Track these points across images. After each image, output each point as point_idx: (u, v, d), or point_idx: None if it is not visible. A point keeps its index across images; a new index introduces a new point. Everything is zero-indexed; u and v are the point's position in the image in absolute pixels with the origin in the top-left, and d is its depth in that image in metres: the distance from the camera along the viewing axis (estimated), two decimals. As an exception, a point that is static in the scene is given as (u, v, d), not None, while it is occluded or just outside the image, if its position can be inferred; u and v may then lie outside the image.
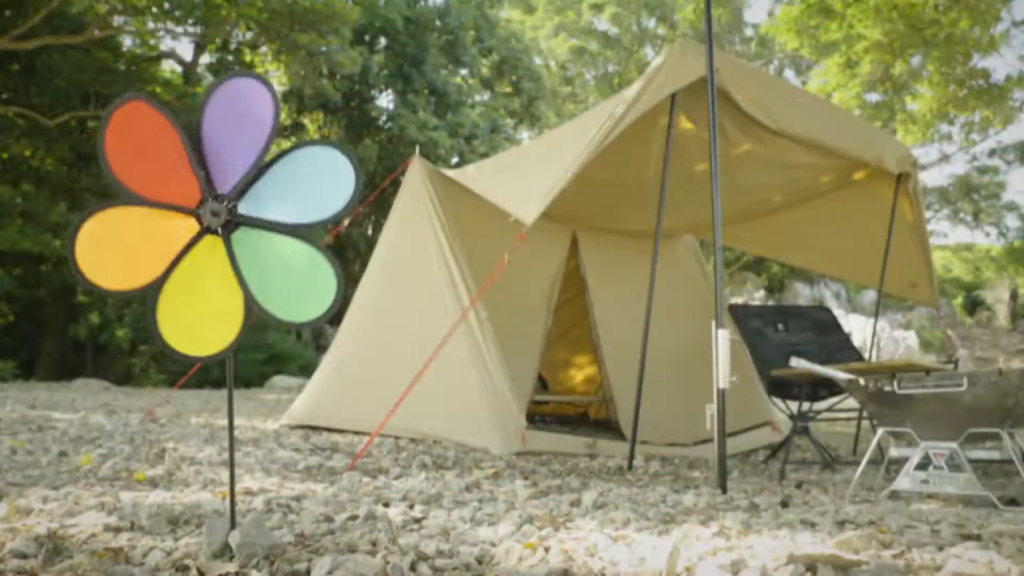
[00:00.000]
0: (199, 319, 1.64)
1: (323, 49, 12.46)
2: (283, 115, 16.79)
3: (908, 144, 13.08)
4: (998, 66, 16.50)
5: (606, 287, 5.50)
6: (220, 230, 1.65)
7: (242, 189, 1.66)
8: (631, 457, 3.69)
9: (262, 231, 1.67)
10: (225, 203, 1.65)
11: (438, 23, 17.95)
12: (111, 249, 1.62)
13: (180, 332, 1.63)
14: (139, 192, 1.63)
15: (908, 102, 13.29)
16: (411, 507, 2.25)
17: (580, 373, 7.13)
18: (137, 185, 1.63)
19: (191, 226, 1.65)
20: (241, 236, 1.66)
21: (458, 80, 18.82)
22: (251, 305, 1.64)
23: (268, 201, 1.67)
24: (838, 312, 19.52)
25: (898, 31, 10.69)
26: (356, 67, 13.54)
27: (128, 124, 1.63)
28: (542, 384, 6.61)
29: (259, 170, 1.66)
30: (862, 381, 2.95)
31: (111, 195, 1.68)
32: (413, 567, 1.51)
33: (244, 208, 1.66)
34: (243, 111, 1.67)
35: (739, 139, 4.24)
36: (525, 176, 4.21)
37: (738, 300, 21.70)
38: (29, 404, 6.06)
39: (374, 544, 1.70)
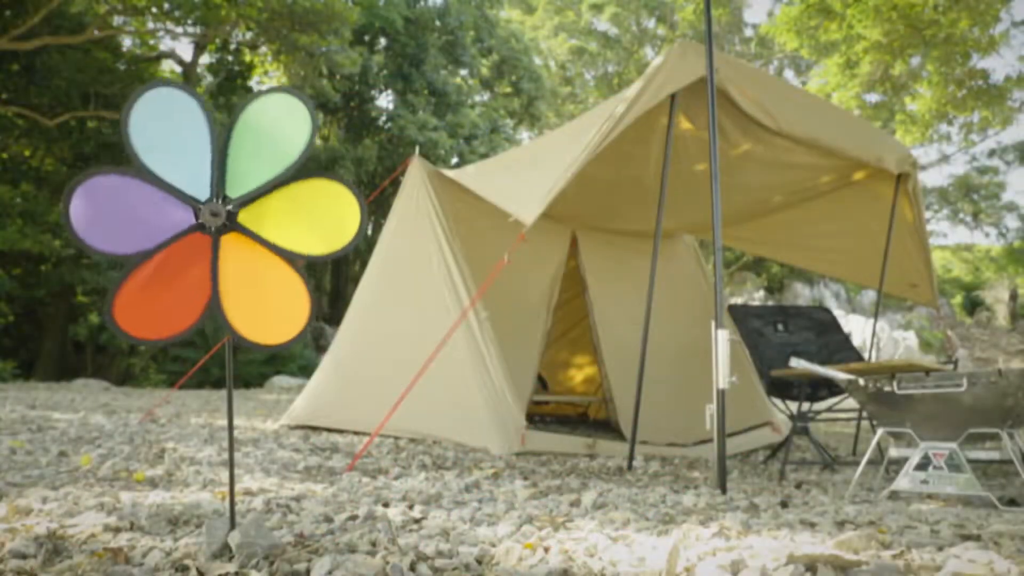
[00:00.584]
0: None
1: (323, 50, 12.46)
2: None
3: (908, 145, 13.08)
4: (997, 67, 16.53)
5: (606, 287, 5.50)
6: (212, 230, 1.65)
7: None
8: (631, 457, 3.69)
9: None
10: (228, 207, 1.65)
11: (438, 23, 17.95)
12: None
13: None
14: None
15: (907, 103, 13.29)
16: (411, 507, 2.25)
17: (580, 373, 7.13)
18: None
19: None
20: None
21: (458, 80, 18.82)
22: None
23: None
24: (838, 312, 19.52)
25: (898, 31, 10.69)
26: (356, 68, 13.55)
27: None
28: (542, 384, 6.61)
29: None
30: (862, 381, 2.95)
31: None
32: (413, 567, 1.51)
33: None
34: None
35: (739, 139, 4.24)
36: (525, 176, 4.21)
37: (738, 300, 21.70)
38: (29, 404, 6.06)
39: (374, 544, 1.70)
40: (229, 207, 1.65)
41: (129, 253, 1.61)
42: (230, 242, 1.66)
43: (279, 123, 1.68)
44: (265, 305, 1.67)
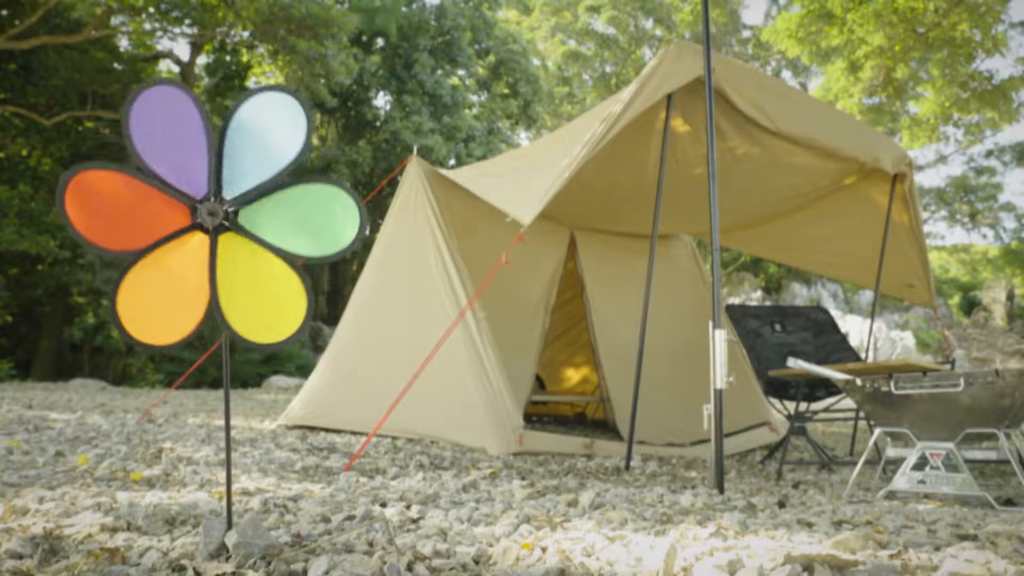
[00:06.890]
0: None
1: (319, 54, 12.44)
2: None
3: (914, 147, 13.09)
4: (1000, 67, 16.47)
5: (604, 288, 5.51)
6: (210, 229, 1.64)
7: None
8: (628, 457, 3.69)
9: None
10: (225, 206, 1.64)
11: (433, 23, 17.91)
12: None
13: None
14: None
15: (912, 105, 13.26)
16: (408, 507, 2.25)
17: (577, 373, 7.14)
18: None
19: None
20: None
21: (455, 82, 18.79)
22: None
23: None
24: (835, 312, 19.56)
25: (899, 35, 10.68)
26: (352, 75, 13.54)
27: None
28: (540, 384, 6.61)
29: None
30: (859, 381, 2.95)
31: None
32: (410, 567, 1.51)
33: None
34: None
35: (736, 140, 4.24)
36: (523, 178, 4.21)
37: (735, 300, 21.72)
38: (26, 404, 6.05)
39: (371, 544, 1.70)
40: (227, 207, 1.65)
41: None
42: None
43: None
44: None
